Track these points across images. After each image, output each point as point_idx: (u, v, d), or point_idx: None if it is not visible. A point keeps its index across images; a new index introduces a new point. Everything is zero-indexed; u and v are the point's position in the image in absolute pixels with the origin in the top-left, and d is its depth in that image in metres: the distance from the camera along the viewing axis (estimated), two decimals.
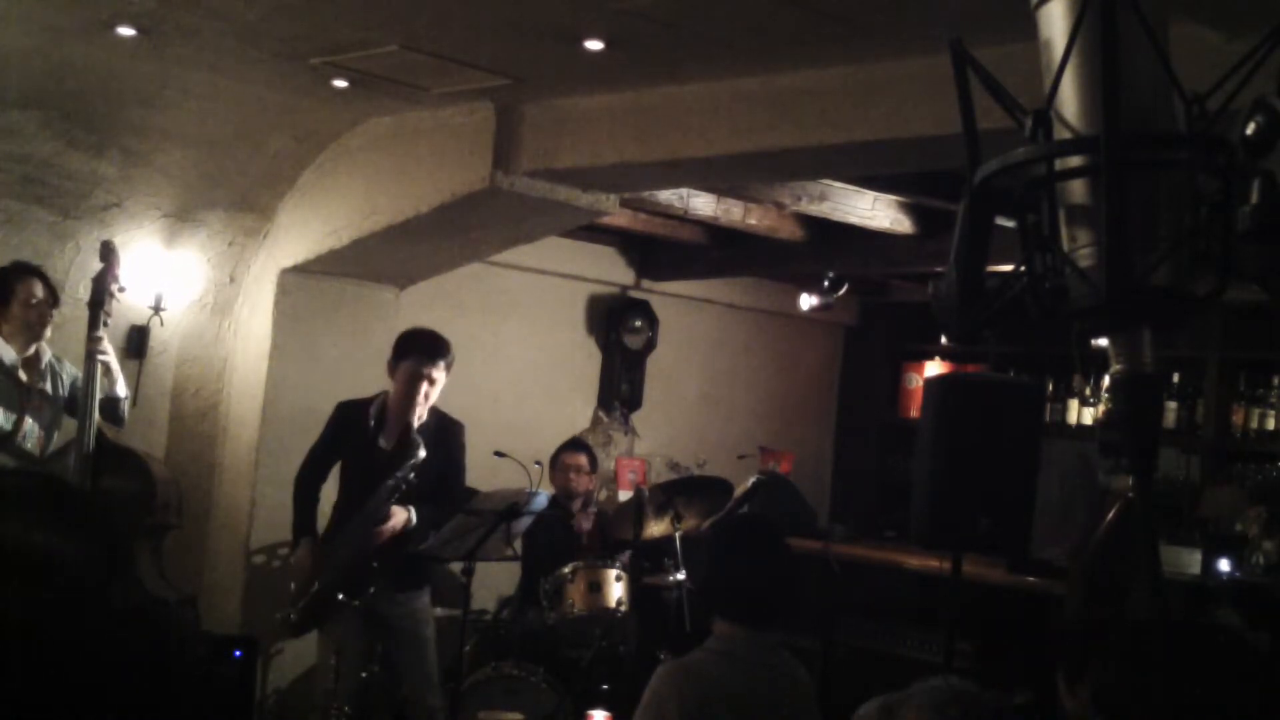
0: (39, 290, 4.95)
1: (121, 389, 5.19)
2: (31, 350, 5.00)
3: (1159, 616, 1.75)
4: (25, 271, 4.98)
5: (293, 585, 5.09)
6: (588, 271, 7.69)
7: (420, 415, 4.95)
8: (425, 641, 5.11)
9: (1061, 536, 5.83)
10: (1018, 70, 1.92)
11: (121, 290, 5.21)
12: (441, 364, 5.00)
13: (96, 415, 5.04)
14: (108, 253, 5.16)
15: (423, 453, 4.81)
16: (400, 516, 4.88)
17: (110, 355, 5.11)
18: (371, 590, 4.84)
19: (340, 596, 4.84)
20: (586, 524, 6.13)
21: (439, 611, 5.47)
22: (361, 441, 5.05)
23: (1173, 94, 1.62)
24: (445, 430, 5.07)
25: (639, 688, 3.29)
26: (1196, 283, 1.61)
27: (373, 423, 5.05)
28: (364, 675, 5.04)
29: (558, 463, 6.36)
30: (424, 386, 4.95)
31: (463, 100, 5.23)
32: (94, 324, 5.03)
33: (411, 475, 4.81)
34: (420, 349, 5.00)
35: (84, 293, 5.21)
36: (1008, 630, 5.86)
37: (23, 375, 4.96)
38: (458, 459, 5.13)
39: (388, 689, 5.10)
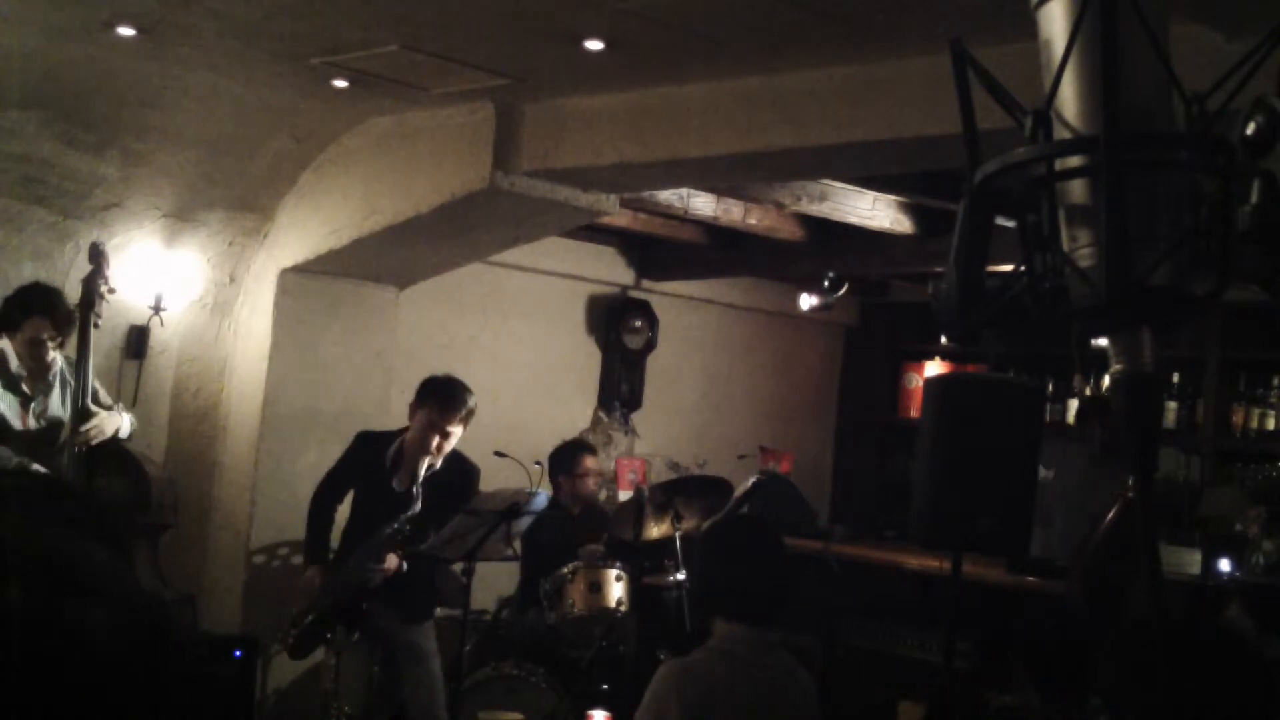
0: (45, 333, 4.93)
1: (125, 431, 5.19)
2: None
3: (1161, 618, 1.75)
4: (39, 309, 4.93)
5: (294, 609, 5.09)
6: (588, 271, 7.69)
7: (433, 465, 4.96)
8: (429, 654, 5.13)
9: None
10: (1018, 70, 1.92)
11: (111, 292, 5.21)
12: (456, 418, 4.98)
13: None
14: (96, 254, 5.17)
15: (418, 506, 4.82)
16: (392, 563, 4.91)
17: (104, 428, 5.07)
18: (355, 637, 4.88)
19: (329, 636, 4.89)
20: (593, 549, 6.02)
21: (439, 612, 5.47)
22: (375, 478, 5.08)
23: (1173, 94, 1.62)
24: (460, 473, 5.08)
25: (639, 688, 3.29)
26: (1196, 283, 1.61)
27: (389, 463, 5.07)
28: (364, 676, 5.05)
29: (578, 467, 6.20)
30: (436, 439, 4.96)
31: (463, 100, 5.23)
32: (84, 328, 5.04)
33: (408, 528, 4.83)
34: (437, 401, 4.99)
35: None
36: (1008, 630, 5.86)
37: (26, 387, 4.98)
38: (467, 499, 5.06)
39: (388, 689, 5.10)
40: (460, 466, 5.11)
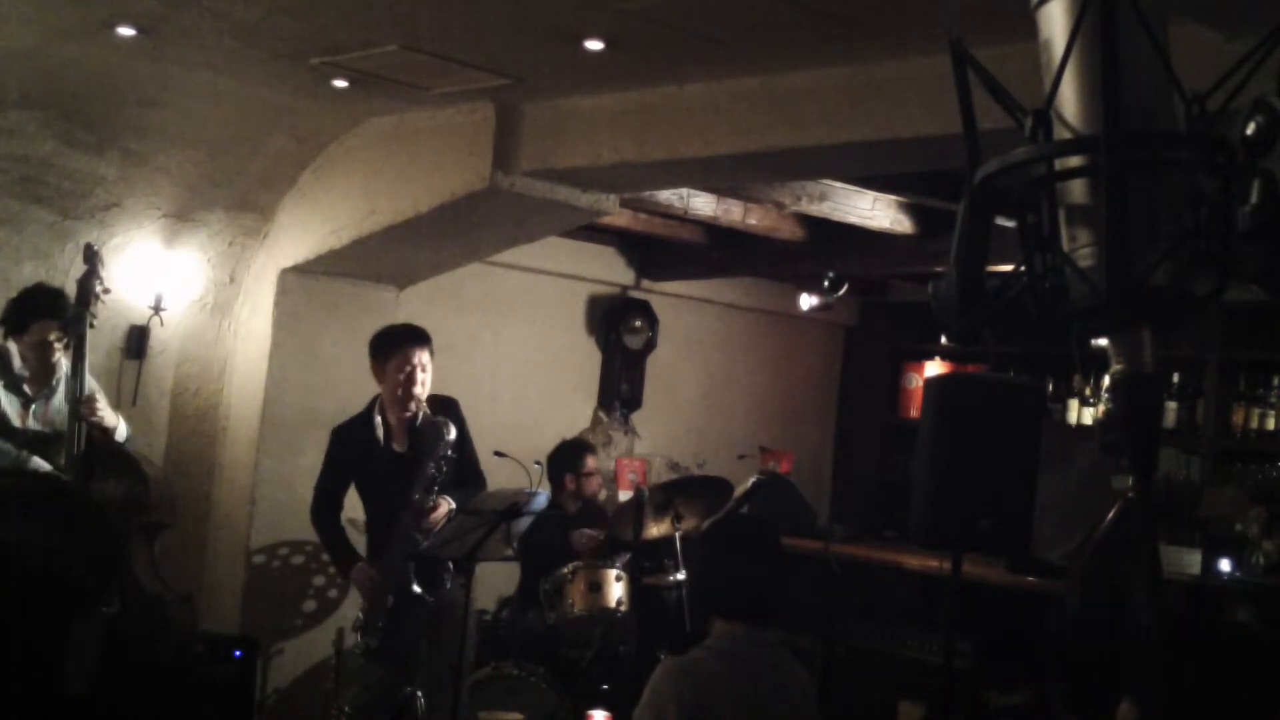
0: (52, 335, 4.96)
1: (121, 434, 5.20)
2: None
3: (1160, 619, 1.75)
4: (46, 312, 4.95)
5: (360, 613, 5.04)
6: (588, 271, 7.69)
7: (421, 404, 4.95)
8: (467, 630, 5.09)
9: (1068, 536, 5.83)
10: (1018, 70, 1.92)
11: (106, 292, 5.22)
12: (428, 349, 5.02)
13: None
14: (91, 255, 5.19)
15: (453, 431, 4.86)
16: (443, 507, 4.87)
17: (104, 412, 5.10)
18: (448, 585, 4.86)
19: (417, 590, 4.82)
20: (586, 544, 5.99)
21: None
22: (373, 455, 5.01)
23: (1173, 94, 1.62)
24: (444, 409, 5.06)
25: (639, 688, 3.29)
26: (1196, 283, 1.61)
27: (380, 432, 5.02)
28: (365, 676, 5.05)
29: (584, 466, 6.19)
30: (419, 374, 4.95)
31: (463, 100, 5.23)
32: (80, 331, 5.05)
33: (450, 452, 4.84)
34: (404, 339, 5.01)
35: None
36: (1008, 630, 5.86)
37: (28, 389, 4.99)
38: (464, 433, 5.10)
39: (388, 689, 5.10)
40: (440, 402, 5.07)
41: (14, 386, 4.98)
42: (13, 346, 4.99)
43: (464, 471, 5.04)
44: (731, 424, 8.33)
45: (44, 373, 5.02)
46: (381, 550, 4.97)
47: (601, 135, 4.99)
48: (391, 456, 4.99)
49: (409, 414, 4.96)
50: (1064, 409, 7.64)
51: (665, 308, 7.99)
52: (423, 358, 4.98)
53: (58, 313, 4.98)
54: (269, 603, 6.05)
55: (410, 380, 4.93)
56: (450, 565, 4.87)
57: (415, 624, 4.93)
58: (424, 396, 4.97)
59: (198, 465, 6.29)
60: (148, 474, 5.33)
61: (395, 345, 4.99)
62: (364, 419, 5.08)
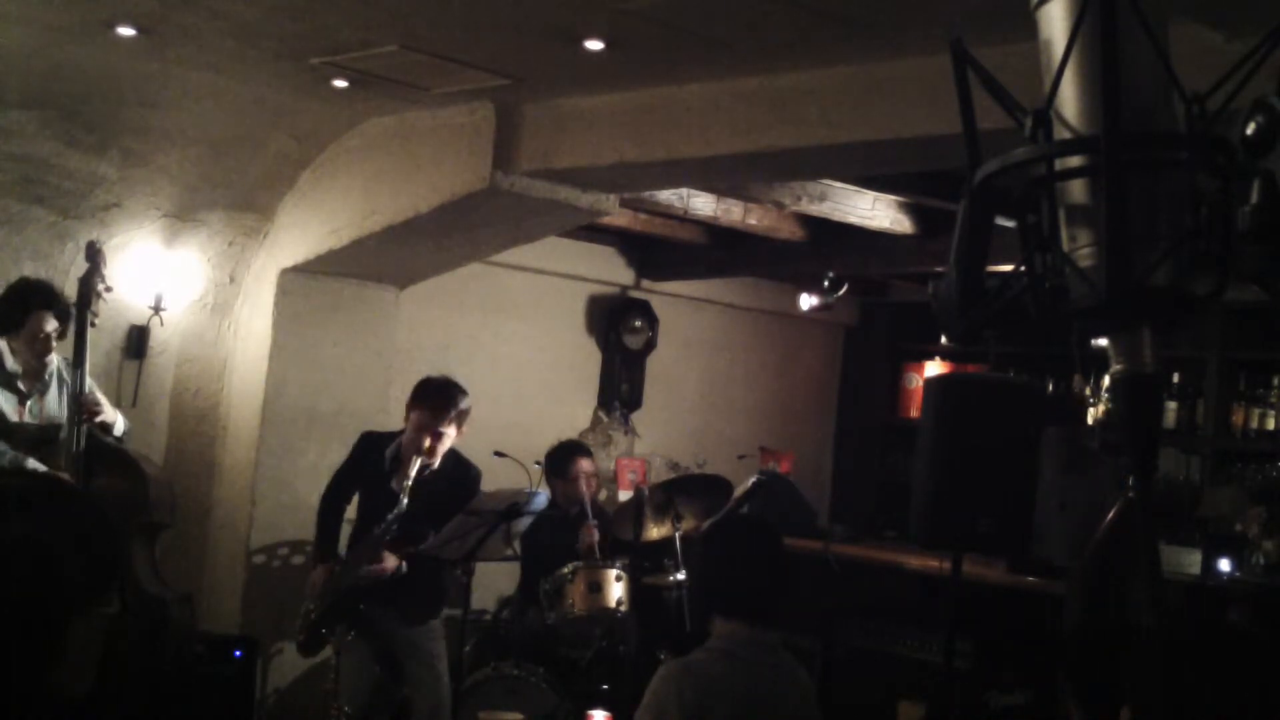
0: (49, 326, 4.97)
1: (119, 430, 5.22)
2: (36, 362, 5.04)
3: (1160, 620, 1.75)
4: (41, 304, 4.96)
5: (304, 606, 5.16)
6: (588, 271, 7.69)
7: (430, 465, 4.95)
8: (432, 655, 5.13)
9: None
10: (1018, 70, 1.92)
11: (108, 290, 5.23)
12: (447, 419, 4.97)
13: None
14: (93, 253, 5.20)
15: (404, 504, 4.80)
16: (390, 563, 4.92)
17: (104, 410, 5.13)
18: (351, 636, 4.91)
19: (323, 631, 4.95)
20: (591, 539, 5.98)
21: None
22: (376, 478, 5.09)
23: (1173, 94, 1.62)
24: (459, 474, 5.07)
25: (639, 688, 3.29)
26: (1196, 283, 1.61)
27: (388, 464, 5.08)
28: (365, 675, 5.05)
29: (571, 471, 6.18)
30: (427, 439, 4.94)
31: (463, 100, 5.23)
32: (81, 327, 5.05)
33: (394, 528, 4.85)
34: (427, 402, 4.99)
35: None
36: (1008, 630, 5.86)
37: (22, 386, 4.99)
38: (464, 497, 5.01)
39: (388, 689, 5.10)
40: (460, 468, 5.10)
41: (8, 384, 4.97)
42: (3, 344, 4.98)
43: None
44: (731, 424, 8.33)
45: (38, 368, 5.01)
46: (342, 563, 5.10)
47: (601, 135, 4.99)
48: (385, 489, 5.03)
49: (412, 465, 4.93)
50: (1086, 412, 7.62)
51: (665, 308, 7.99)
52: (439, 427, 4.94)
53: (52, 304, 4.98)
54: (269, 603, 6.04)
55: (419, 441, 4.94)
56: (362, 606, 4.95)
57: (351, 640, 4.99)
58: (434, 460, 4.96)
59: (198, 465, 6.29)
60: (148, 474, 5.33)
61: (420, 404, 4.99)
62: (388, 440, 5.15)
